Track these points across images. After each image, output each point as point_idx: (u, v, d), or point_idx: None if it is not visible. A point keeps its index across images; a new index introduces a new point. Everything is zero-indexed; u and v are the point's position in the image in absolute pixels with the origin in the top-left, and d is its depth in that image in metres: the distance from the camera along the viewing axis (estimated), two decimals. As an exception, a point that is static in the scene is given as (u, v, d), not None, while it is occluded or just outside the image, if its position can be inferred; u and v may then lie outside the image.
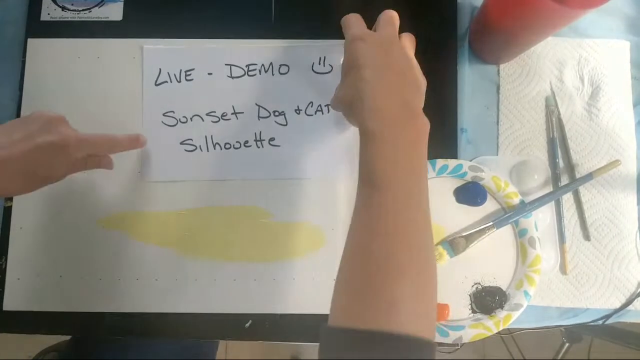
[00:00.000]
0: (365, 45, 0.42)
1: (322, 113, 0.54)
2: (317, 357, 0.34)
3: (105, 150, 0.49)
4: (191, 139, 0.54)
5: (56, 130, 0.43)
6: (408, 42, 0.46)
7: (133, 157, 0.53)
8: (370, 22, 0.56)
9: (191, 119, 0.54)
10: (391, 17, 0.45)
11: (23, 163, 0.40)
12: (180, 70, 0.54)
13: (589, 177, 0.52)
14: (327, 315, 0.37)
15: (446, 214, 0.53)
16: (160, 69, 0.54)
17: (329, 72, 0.55)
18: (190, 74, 0.54)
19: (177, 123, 0.54)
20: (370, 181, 0.38)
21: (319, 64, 0.55)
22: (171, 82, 0.54)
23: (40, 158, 0.41)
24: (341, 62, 0.55)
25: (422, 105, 0.43)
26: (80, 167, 0.47)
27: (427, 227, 0.39)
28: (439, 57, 0.55)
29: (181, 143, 0.54)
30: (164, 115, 0.54)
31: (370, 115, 0.39)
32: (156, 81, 0.54)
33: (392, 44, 0.43)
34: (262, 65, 0.55)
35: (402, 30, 0.58)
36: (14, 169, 0.40)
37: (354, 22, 0.45)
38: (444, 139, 0.54)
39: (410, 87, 0.42)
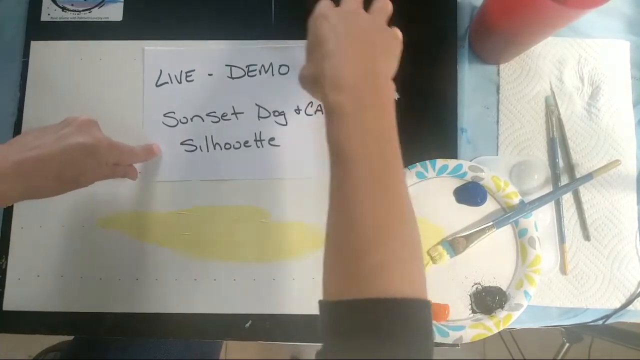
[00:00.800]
0: (326, 20, 0.41)
1: (322, 113, 0.54)
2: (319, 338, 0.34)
3: (128, 160, 0.50)
4: (191, 139, 0.54)
5: (88, 132, 0.43)
6: (377, 8, 0.44)
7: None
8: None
9: (191, 119, 0.54)
10: None
11: (55, 163, 0.41)
12: (181, 71, 0.54)
13: (589, 177, 0.52)
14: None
15: (446, 214, 0.53)
16: (161, 70, 0.54)
17: None
18: (190, 75, 0.54)
19: (177, 123, 0.54)
20: (338, 157, 0.37)
21: None
22: (172, 83, 0.54)
23: (72, 159, 0.41)
24: None
25: (394, 68, 0.42)
26: (108, 174, 0.47)
27: (403, 192, 0.37)
28: (439, 57, 0.55)
29: (181, 143, 0.54)
30: (164, 115, 0.54)
31: (331, 88, 0.38)
32: (157, 82, 0.54)
33: (356, 14, 0.42)
34: (262, 65, 0.55)
35: (401, 30, 0.58)
36: (47, 169, 0.40)
37: (321, 3, 0.44)
38: (444, 139, 0.54)
39: (379, 53, 0.41)
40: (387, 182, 0.36)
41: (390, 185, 0.36)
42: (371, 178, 0.36)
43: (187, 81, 0.54)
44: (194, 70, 0.54)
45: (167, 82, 0.54)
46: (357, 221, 0.35)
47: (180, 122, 0.54)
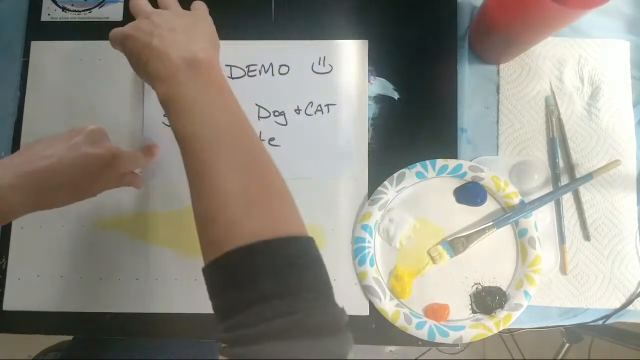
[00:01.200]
0: (129, 38, 0.41)
1: (322, 113, 0.54)
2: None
3: (132, 167, 0.49)
4: None
5: (98, 143, 0.43)
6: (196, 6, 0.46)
7: (133, 157, 0.53)
8: (370, 25, 0.56)
9: None
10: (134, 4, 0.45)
11: (67, 174, 0.40)
12: None
13: (589, 177, 0.52)
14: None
15: (446, 214, 0.53)
16: None
17: (329, 71, 0.55)
18: None
19: None
20: (180, 142, 0.38)
21: (319, 63, 0.55)
22: None
23: (83, 169, 0.41)
24: (342, 62, 0.55)
25: (212, 45, 0.43)
26: (116, 184, 0.47)
27: (254, 147, 0.38)
28: (439, 57, 0.56)
29: (181, 143, 0.54)
30: (164, 115, 0.54)
31: (155, 84, 0.39)
32: None
33: (147, 17, 0.42)
34: (262, 65, 0.55)
35: (402, 30, 0.58)
36: (58, 179, 0.40)
37: (115, 32, 0.44)
38: (444, 139, 0.54)
39: (194, 38, 0.41)
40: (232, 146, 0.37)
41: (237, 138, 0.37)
42: (211, 144, 0.36)
43: None
44: None
45: None
46: (206, 189, 0.35)
47: None
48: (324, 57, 0.55)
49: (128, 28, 0.42)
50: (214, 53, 0.42)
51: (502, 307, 0.51)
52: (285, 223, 0.35)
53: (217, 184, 0.35)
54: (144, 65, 0.40)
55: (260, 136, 0.54)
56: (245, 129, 0.39)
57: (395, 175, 0.53)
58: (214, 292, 0.34)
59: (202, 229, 0.35)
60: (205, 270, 0.34)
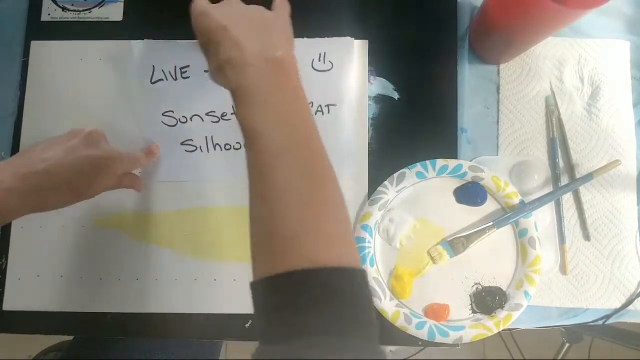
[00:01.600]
0: (205, 15, 0.40)
1: (322, 113, 0.54)
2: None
3: (132, 167, 0.49)
4: (191, 140, 0.54)
5: (96, 145, 0.43)
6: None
7: (133, 157, 0.53)
8: (370, 25, 0.56)
9: (191, 118, 0.54)
10: None
11: (65, 176, 0.41)
12: (175, 67, 0.53)
13: (589, 177, 0.52)
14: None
15: (446, 214, 0.53)
16: (153, 66, 0.53)
17: (330, 69, 0.54)
18: (185, 71, 0.54)
19: (177, 123, 0.54)
20: (247, 138, 0.37)
21: (319, 60, 0.54)
22: (167, 79, 0.54)
23: (81, 171, 0.41)
24: (342, 59, 0.54)
25: (290, 43, 0.41)
26: (115, 185, 0.47)
27: (322, 160, 0.37)
28: (439, 57, 0.56)
29: (181, 143, 0.54)
30: (163, 114, 0.54)
31: (231, 71, 0.38)
32: (151, 79, 0.54)
33: (228, 3, 0.41)
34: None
35: (402, 30, 0.58)
36: (56, 181, 0.40)
37: (194, 3, 0.42)
38: (444, 139, 0.54)
39: (267, 31, 0.39)
40: (298, 152, 0.36)
41: (304, 157, 0.36)
42: (281, 149, 0.35)
43: (183, 78, 0.54)
44: (188, 66, 0.53)
45: (162, 79, 0.54)
46: (266, 193, 0.34)
47: (180, 121, 0.54)
48: (324, 54, 0.54)
49: (206, 4, 0.41)
50: (291, 52, 0.41)
51: (502, 307, 0.51)
52: (346, 251, 0.34)
53: (279, 192, 0.34)
54: (215, 46, 0.38)
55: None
56: (314, 138, 0.37)
57: (395, 175, 0.52)
58: (265, 310, 0.32)
59: (259, 236, 0.34)
60: (258, 285, 0.33)
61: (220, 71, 0.39)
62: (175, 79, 0.54)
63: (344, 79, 0.54)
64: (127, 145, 0.53)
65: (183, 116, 0.54)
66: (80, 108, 0.55)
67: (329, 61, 0.54)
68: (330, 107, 0.54)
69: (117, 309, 0.52)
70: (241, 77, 0.37)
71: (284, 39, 0.40)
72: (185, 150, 0.54)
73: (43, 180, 0.40)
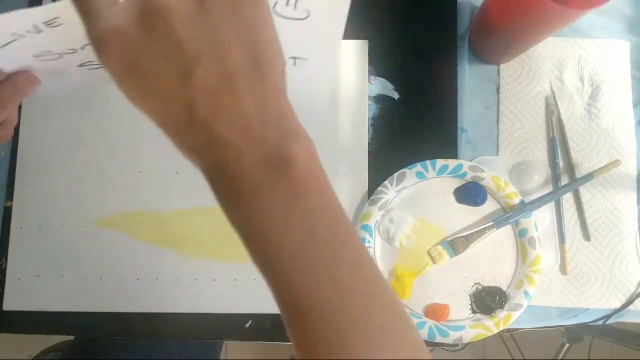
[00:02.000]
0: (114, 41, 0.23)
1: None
2: None
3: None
4: None
5: None
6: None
7: (134, 156, 0.53)
8: (370, 25, 0.56)
9: None
10: None
11: None
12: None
13: (589, 177, 0.52)
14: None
15: (446, 214, 0.53)
16: None
17: (305, 17, 0.32)
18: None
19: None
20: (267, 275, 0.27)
21: (287, 5, 0.30)
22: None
23: None
24: (321, 9, 0.30)
25: (283, 78, 0.26)
26: None
27: (369, 268, 0.28)
28: (439, 57, 0.56)
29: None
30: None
31: (193, 157, 0.26)
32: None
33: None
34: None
35: (402, 30, 0.58)
36: None
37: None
38: (444, 139, 0.54)
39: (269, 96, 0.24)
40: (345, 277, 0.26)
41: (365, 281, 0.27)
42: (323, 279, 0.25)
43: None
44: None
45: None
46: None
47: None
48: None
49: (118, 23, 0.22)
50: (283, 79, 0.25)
51: (502, 307, 0.51)
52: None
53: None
54: (152, 113, 0.24)
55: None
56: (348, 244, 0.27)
57: (395, 175, 0.53)
58: None
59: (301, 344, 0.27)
60: None
61: (185, 156, 0.26)
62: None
63: (343, 78, 0.54)
64: (128, 143, 0.53)
65: None
66: (78, 106, 0.54)
67: (304, 9, 0.32)
68: (297, 59, 0.39)
69: (118, 309, 0.52)
70: (221, 179, 0.26)
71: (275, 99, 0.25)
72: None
73: None
